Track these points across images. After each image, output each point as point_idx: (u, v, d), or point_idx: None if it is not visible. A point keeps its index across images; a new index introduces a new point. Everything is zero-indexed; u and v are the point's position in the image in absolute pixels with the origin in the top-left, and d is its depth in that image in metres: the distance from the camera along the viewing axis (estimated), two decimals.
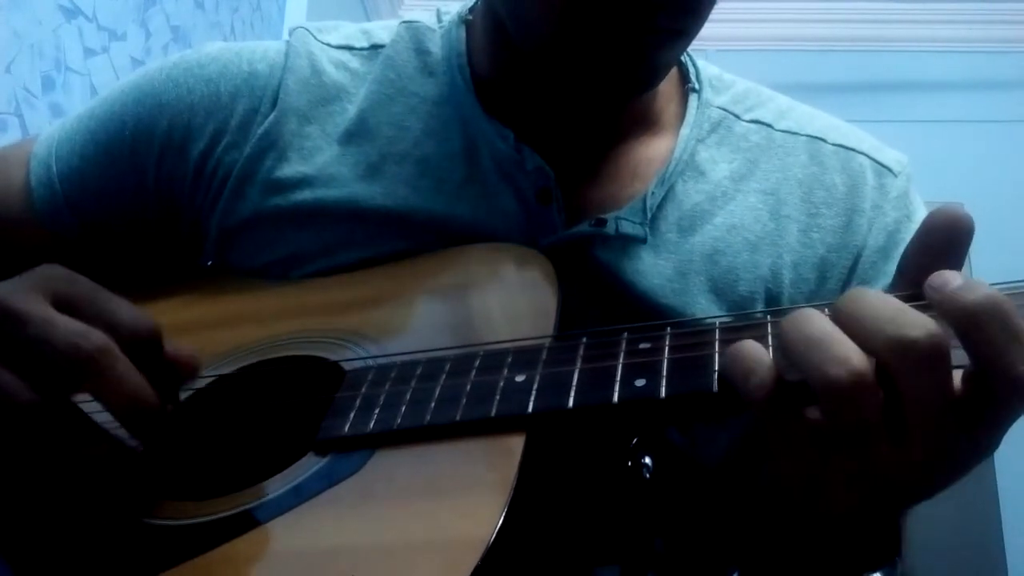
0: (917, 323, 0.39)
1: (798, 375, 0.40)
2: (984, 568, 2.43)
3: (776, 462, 0.44)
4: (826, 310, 0.43)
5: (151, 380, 0.49)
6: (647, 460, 0.52)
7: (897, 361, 0.39)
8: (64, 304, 0.50)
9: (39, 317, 0.48)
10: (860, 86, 2.91)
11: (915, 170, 0.70)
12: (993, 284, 0.41)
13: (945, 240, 0.45)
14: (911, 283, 0.44)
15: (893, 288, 0.46)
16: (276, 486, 0.50)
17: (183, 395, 0.57)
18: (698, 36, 0.61)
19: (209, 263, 0.70)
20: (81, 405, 0.50)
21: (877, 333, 0.39)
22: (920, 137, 2.69)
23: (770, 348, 0.44)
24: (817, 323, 0.41)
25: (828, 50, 2.96)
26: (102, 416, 0.50)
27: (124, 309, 0.51)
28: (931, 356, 0.38)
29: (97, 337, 0.48)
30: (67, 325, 0.48)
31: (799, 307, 0.43)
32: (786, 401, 0.41)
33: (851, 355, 0.39)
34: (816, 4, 2.96)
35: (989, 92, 2.88)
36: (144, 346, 0.50)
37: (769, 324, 0.47)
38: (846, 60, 2.94)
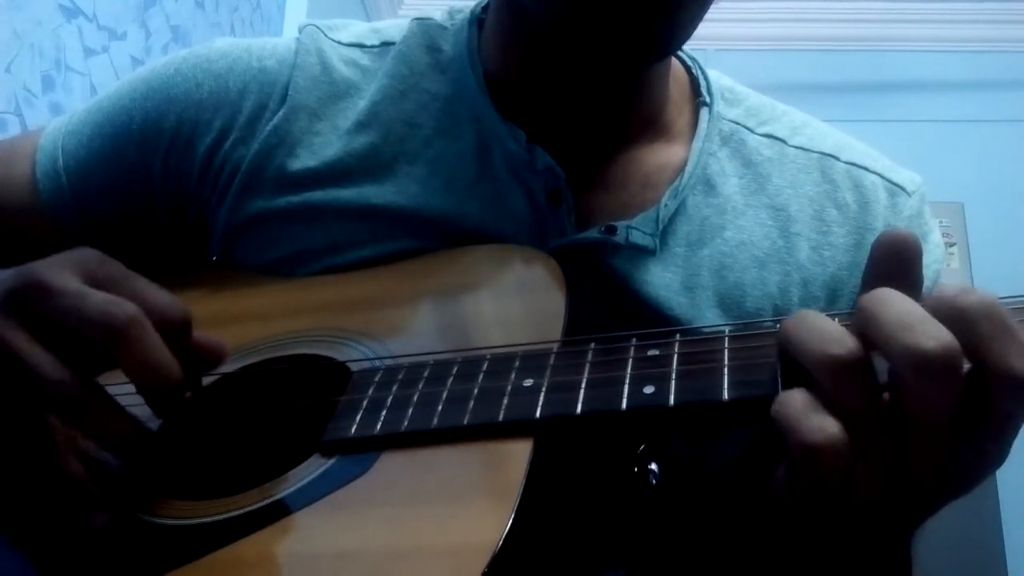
0: (935, 334, 0.38)
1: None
2: (984, 568, 2.44)
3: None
4: (836, 319, 0.42)
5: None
6: (653, 466, 0.52)
7: (906, 370, 0.39)
8: (97, 284, 0.50)
9: (73, 290, 0.48)
10: (860, 86, 2.92)
11: (915, 170, 0.69)
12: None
13: (896, 262, 0.45)
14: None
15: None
16: (281, 488, 0.49)
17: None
18: (699, 36, 0.61)
19: (214, 258, 0.70)
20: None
21: (893, 339, 0.39)
22: (920, 137, 2.69)
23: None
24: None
25: (829, 50, 2.96)
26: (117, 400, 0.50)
27: (156, 291, 0.51)
28: (943, 369, 0.38)
29: (129, 307, 0.48)
30: (100, 296, 0.48)
31: (807, 312, 0.43)
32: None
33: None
34: (817, 4, 2.97)
35: (989, 92, 2.89)
36: (174, 330, 0.50)
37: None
38: (847, 60, 2.94)
